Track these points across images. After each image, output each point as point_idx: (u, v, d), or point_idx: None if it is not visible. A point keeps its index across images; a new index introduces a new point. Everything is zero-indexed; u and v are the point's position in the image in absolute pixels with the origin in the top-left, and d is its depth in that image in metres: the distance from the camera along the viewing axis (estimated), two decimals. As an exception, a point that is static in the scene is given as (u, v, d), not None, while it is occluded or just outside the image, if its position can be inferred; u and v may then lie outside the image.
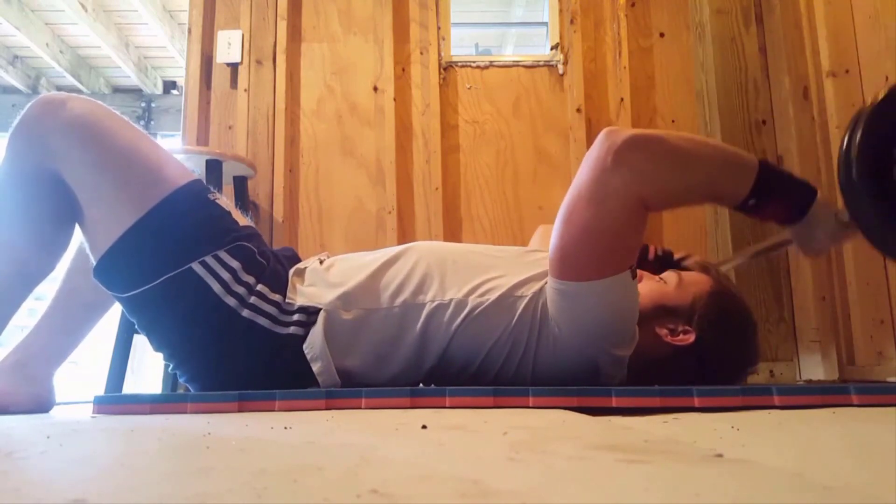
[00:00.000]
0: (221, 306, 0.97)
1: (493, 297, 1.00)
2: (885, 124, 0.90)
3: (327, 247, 2.10)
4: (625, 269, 0.94)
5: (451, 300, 1.01)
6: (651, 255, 1.22)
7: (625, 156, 0.89)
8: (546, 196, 2.14)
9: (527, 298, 1.00)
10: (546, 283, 1.00)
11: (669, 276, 1.09)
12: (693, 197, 1.00)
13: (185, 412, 0.85)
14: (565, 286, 0.95)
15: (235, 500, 0.32)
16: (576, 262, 0.94)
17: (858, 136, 0.90)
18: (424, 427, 0.62)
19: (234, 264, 0.99)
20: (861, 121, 0.91)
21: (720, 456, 0.45)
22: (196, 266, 0.97)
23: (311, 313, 1.00)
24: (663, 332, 1.03)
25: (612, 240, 0.93)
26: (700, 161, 0.93)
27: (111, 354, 1.66)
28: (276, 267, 1.04)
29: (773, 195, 0.93)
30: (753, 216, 0.96)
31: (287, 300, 1.01)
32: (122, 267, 0.97)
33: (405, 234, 2.10)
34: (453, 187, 2.16)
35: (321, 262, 1.09)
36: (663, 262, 1.21)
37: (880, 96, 0.91)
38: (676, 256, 1.23)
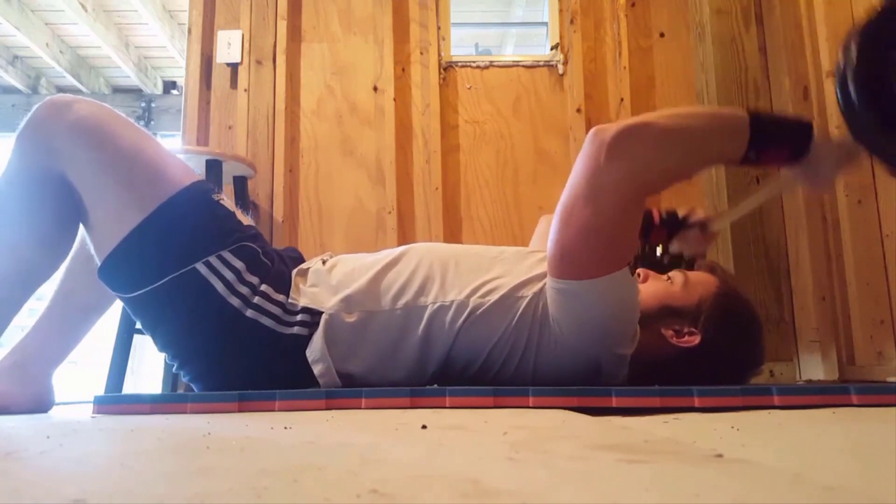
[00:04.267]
0: (225, 306, 0.97)
1: (494, 297, 1.00)
2: (879, 38, 0.88)
3: (327, 247, 2.09)
4: (623, 265, 0.95)
5: (452, 301, 1.01)
6: (656, 219, 1.19)
7: (617, 149, 0.90)
8: (546, 196, 2.14)
9: (528, 299, 1.00)
10: (545, 283, 1.00)
11: (675, 276, 1.09)
12: (693, 168, 1.00)
13: (185, 412, 0.85)
14: (565, 285, 0.95)
15: (235, 500, 0.32)
16: (575, 261, 0.94)
17: (854, 53, 0.88)
18: (424, 427, 0.62)
19: (238, 264, 0.99)
20: (854, 37, 0.89)
21: (720, 456, 0.45)
22: (200, 266, 0.97)
23: (314, 314, 1.00)
24: (668, 333, 1.03)
25: (612, 237, 0.93)
26: (691, 134, 0.93)
27: (111, 354, 1.66)
28: (280, 267, 1.04)
29: (771, 143, 0.93)
30: (757, 167, 0.96)
31: (290, 300, 1.01)
32: (126, 267, 0.97)
33: (405, 234, 2.10)
34: (453, 187, 2.16)
35: (324, 263, 1.09)
36: (670, 223, 1.18)
37: (873, 14, 0.89)
38: (681, 214, 1.19)
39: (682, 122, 0.94)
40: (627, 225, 0.94)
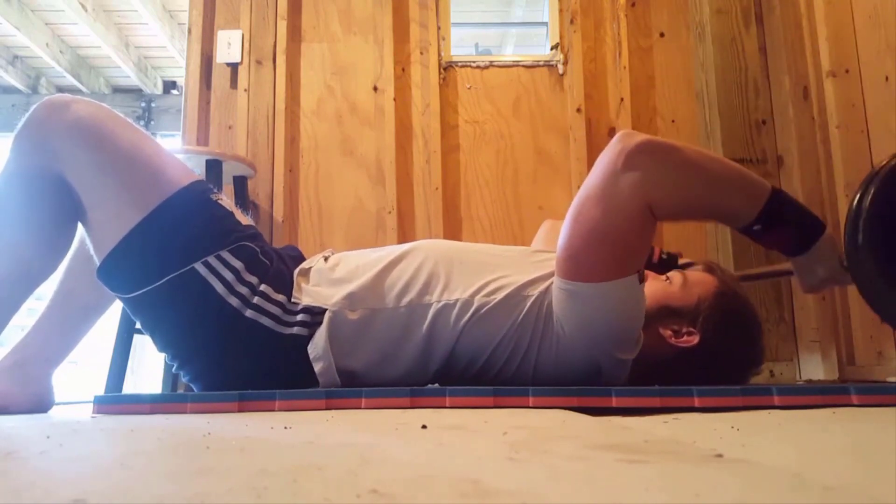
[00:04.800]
0: (224, 306, 0.97)
1: (499, 296, 1.00)
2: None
3: (327, 247, 2.09)
4: (632, 272, 0.94)
5: (457, 300, 1.01)
6: (655, 258, 1.22)
7: (636, 159, 0.89)
8: (546, 196, 2.14)
9: (532, 298, 1.00)
10: (551, 283, 1.00)
11: (674, 276, 1.09)
12: (700, 210, 1.00)
13: (185, 412, 0.85)
14: (572, 286, 0.95)
15: (235, 500, 0.32)
16: (583, 262, 0.93)
17: (868, 199, 0.89)
18: (424, 427, 0.62)
19: (237, 264, 0.99)
20: (872, 183, 0.90)
21: (720, 456, 0.45)
22: (199, 266, 0.97)
23: (315, 314, 1.00)
24: (667, 333, 1.03)
25: (619, 241, 0.93)
26: (711, 176, 0.93)
27: (111, 354, 1.66)
28: (279, 267, 1.04)
29: (780, 224, 0.93)
30: (757, 241, 0.96)
31: (292, 300, 1.01)
32: (125, 267, 0.97)
33: (405, 233, 2.10)
34: (453, 187, 2.16)
35: (326, 260, 1.09)
36: (667, 266, 1.20)
37: (893, 161, 0.90)
38: (681, 261, 1.22)
39: (706, 162, 0.93)
40: (634, 234, 0.93)
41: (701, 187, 0.93)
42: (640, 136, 0.91)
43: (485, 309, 1.00)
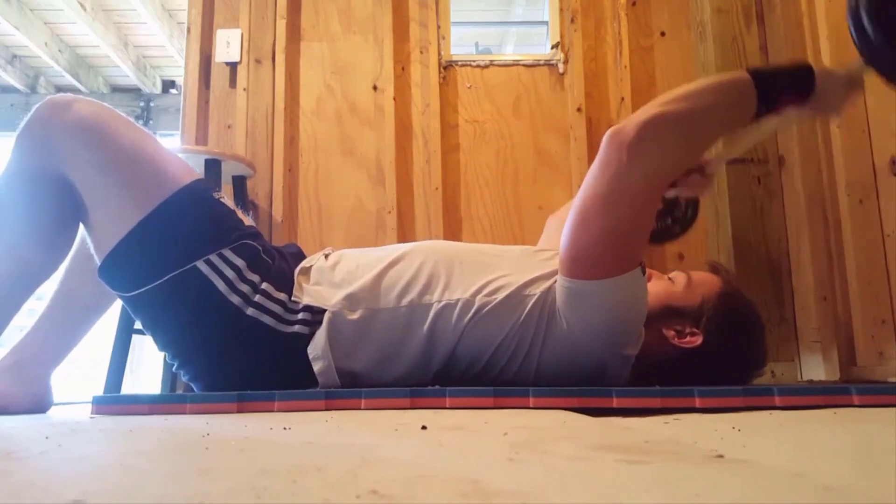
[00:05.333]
0: (226, 305, 0.97)
1: (500, 296, 1.00)
2: None
3: (327, 247, 2.09)
4: (636, 264, 0.95)
5: (458, 300, 1.00)
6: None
7: (640, 147, 0.89)
8: (546, 196, 2.14)
9: (535, 297, 1.00)
10: (554, 281, 1.00)
11: (678, 276, 1.09)
12: (712, 141, 1.01)
13: (185, 412, 0.85)
14: (578, 285, 0.95)
15: (235, 500, 0.32)
16: (592, 262, 0.93)
17: None
18: (424, 427, 0.62)
19: (239, 263, 0.99)
20: None
21: (721, 456, 0.45)
22: (200, 264, 0.97)
23: (315, 313, 1.00)
24: (670, 333, 1.02)
25: (630, 237, 0.94)
26: (706, 112, 0.93)
27: (110, 354, 1.66)
28: (280, 265, 1.04)
29: (779, 93, 0.95)
30: (771, 117, 0.98)
31: (293, 298, 1.01)
32: (126, 266, 0.97)
33: (405, 233, 2.10)
34: (453, 187, 2.16)
35: (326, 258, 1.09)
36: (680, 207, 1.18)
37: None
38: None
39: (693, 104, 0.93)
40: (645, 224, 0.95)
41: (706, 129, 0.94)
42: (630, 126, 0.90)
43: (486, 309, 0.99)
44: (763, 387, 0.98)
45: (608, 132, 0.93)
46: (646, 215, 0.95)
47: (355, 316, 1.00)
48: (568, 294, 0.96)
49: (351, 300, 1.01)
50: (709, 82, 0.96)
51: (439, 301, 1.01)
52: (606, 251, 0.93)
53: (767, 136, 1.82)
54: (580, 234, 0.93)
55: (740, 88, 0.94)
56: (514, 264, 1.06)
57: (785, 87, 0.96)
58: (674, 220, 1.20)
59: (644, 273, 0.97)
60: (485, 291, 1.01)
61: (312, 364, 0.98)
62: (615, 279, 0.93)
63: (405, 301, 1.01)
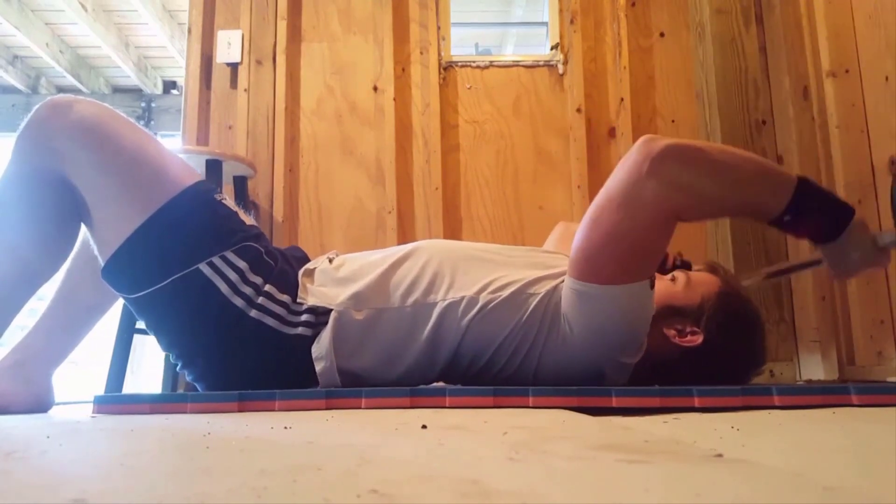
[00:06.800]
0: (229, 307, 0.97)
1: (505, 293, 1.00)
2: None
3: (327, 247, 2.09)
4: (644, 278, 0.94)
5: (462, 297, 1.01)
6: (669, 264, 1.20)
7: (661, 166, 0.88)
8: (546, 196, 2.14)
9: (539, 296, 1.00)
10: (560, 282, 1.00)
11: (678, 276, 1.09)
12: (728, 210, 0.99)
13: (185, 412, 0.85)
14: (584, 287, 0.95)
15: (235, 500, 0.32)
16: (598, 264, 0.93)
17: None
18: (424, 427, 0.62)
19: (242, 265, 0.99)
20: None
21: (720, 456, 0.45)
22: (203, 267, 0.97)
23: (320, 314, 1.00)
24: (671, 332, 1.03)
25: (636, 247, 0.93)
26: (738, 175, 0.91)
27: (111, 354, 1.66)
28: (284, 267, 1.04)
29: (810, 213, 0.92)
30: (788, 232, 0.95)
31: (298, 300, 1.01)
32: (129, 268, 0.97)
33: (405, 234, 2.10)
34: (453, 187, 2.16)
35: (331, 262, 1.09)
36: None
37: None
38: (694, 268, 1.21)
39: (732, 160, 0.92)
40: (654, 240, 0.94)
41: (729, 188, 0.92)
42: (664, 141, 0.90)
43: (490, 306, 1.00)
44: (762, 386, 0.99)
45: (643, 137, 0.92)
46: (652, 233, 0.92)
47: (361, 316, 1.00)
48: (574, 296, 0.96)
49: (357, 299, 1.01)
50: (758, 158, 0.94)
51: (444, 300, 1.01)
52: (614, 256, 0.92)
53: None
54: (592, 231, 0.93)
55: (781, 180, 0.91)
56: (519, 263, 1.07)
57: (819, 210, 0.93)
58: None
59: (653, 288, 0.96)
60: (489, 289, 1.01)
61: (315, 363, 0.98)
62: (622, 287, 0.93)
63: (410, 301, 1.01)
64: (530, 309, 0.99)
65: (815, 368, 1.80)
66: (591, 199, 1.14)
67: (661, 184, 0.89)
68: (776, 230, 0.95)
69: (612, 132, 2.16)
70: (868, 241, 0.94)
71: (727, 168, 0.91)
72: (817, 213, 0.93)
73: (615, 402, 0.84)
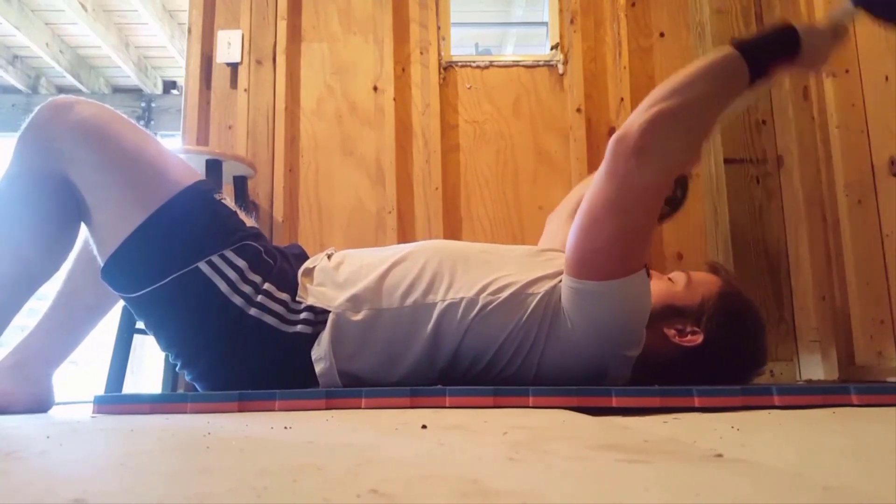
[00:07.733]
0: (228, 305, 0.97)
1: (504, 294, 1.00)
2: None
3: (327, 247, 2.09)
4: (642, 265, 0.96)
5: (462, 298, 1.01)
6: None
7: (648, 148, 0.90)
8: (546, 196, 2.14)
9: (539, 296, 1.00)
10: (558, 281, 1.00)
11: (678, 275, 1.10)
12: (714, 123, 1.01)
13: (185, 412, 0.85)
14: (584, 285, 0.95)
15: (235, 500, 0.32)
16: (600, 265, 0.94)
17: None
18: (424, 427, 0.62)
19: (241, 263, 0.99)
20: None
21: (720, 456, 0.45)
22: (203, 265, 0.97)
23: (319, 313, 1.00)
24: (671, 332, 1.03)
25: (639, 239, 0.95)
26: (704, 98, 0.94)
27: (111, 354, 1.66)
28: (283, 266, 1.04)
29: (768, 63, 0.97)
30: (768, 81, 1.00)
31: (296, 299, 1.01)
32: (129, 267, 0.97)
33: (405, 234, 2.10)
34: (453, 187, 2.16)
35: (329, 258, 1.10)
36: (680, 198, 1.18)
37: None
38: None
39: (688, 95, 0.93)
40: (650, 224, 0.97)
41: (707, 115, 0.96)
42: (634, 129, 0.90)
43: (490, 307, 1.00)
44: (762, 386, 0.99)
45: (612, 140, 0.92)
46: (652, 215, 0.96)
47: (359, 317, 1.00)
48: (574, 294, 0.96)
49: (355, 301, 1.01)
50: (698, 67, 0.96)
51: (443, 300, 1.01)
52: (615, 254, 0.93)
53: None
54: (590, 238, 0.94)
55: (730, 65, 0.95)
56: (518, 263, 1.07)
57: (773, 52, 0.98)
58: (665, 201, 1.19)
59: (648, 275, 0.97)
60: (489, 290, 1.01)
61: (314, 365, 0.98)
62: (621, 280, 0.93)
63: (409, 301, 1.02)
64: (530, 309, 0.99)
65: (815, 368, 1.80)
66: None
67: (658, 162, 0.90)
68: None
69: (612, 132, 2.15)
70: (821, 31, 1.02)
71: (693, 103, 0.93)
72: (773, 57, 0.98)
73: (615, 402, 0.84)
